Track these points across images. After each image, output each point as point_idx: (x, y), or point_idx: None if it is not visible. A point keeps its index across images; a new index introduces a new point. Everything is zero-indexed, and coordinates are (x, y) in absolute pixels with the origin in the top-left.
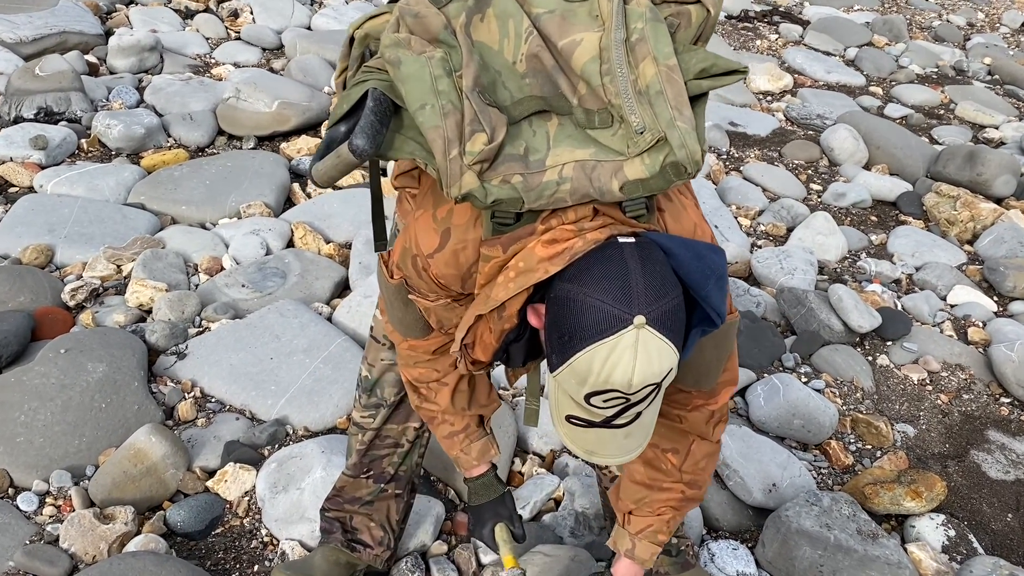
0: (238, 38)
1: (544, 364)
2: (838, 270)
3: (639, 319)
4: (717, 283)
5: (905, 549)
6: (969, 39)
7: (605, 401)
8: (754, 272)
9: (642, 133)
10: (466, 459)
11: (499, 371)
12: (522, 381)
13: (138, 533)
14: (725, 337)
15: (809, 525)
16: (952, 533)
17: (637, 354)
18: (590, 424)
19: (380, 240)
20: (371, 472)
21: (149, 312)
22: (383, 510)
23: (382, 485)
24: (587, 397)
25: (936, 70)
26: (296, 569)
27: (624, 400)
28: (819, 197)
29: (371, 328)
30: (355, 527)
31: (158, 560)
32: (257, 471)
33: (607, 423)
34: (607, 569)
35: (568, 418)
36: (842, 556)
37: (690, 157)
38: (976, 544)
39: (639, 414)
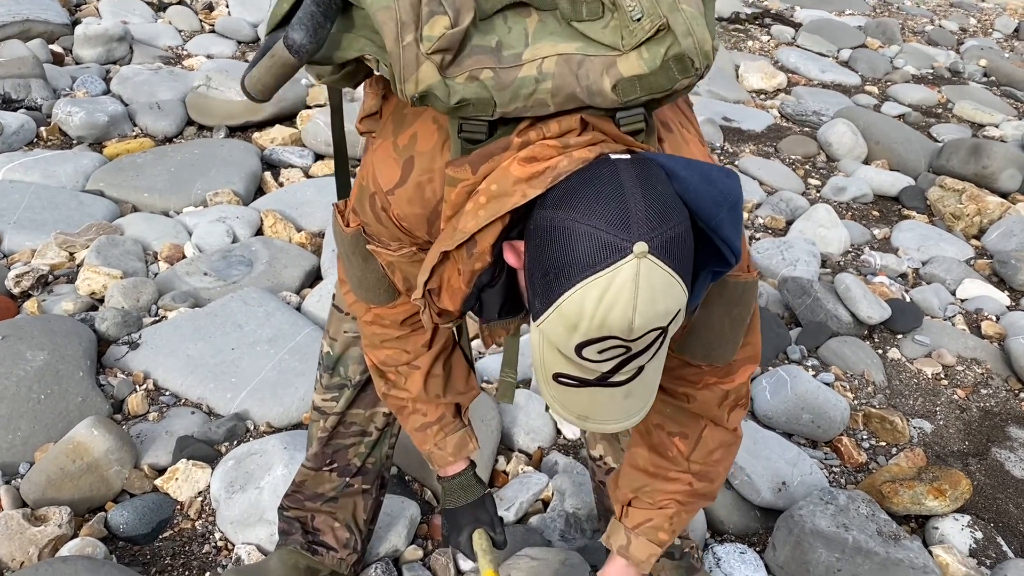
0: (212, 31)
1: (525, 328)
2: (841, 263)
3: (640, 246)
4: (730, 212)
5: (930, 552)
6: (963, 43)
7: (600, 352)
8: (753, 265)
9: (639, 20)
10: (440, 455)
11: (482, 363)
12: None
13: (75, 536)
14: (740, 299)
15: (825, 526)
16: (979, 535)
17: (638, 290)
18: (583, 383)
19: (344, 195)
20: (335, 464)
21: (102, 301)
22: (349, 508)
23: (347, 479)
24: (578, 348)
25: (931, 71)
26: (248, 574)
27: (623, 350)
28: (818, 192)
29: (332, 297)
30: (317, 528)
31: (92, 566)
32: (212, 469)
33: (603, 380)
34: (593, 572)
35: (556, 377)
36: (862, 559)
37: (698, 47)
38: (1005, 547)
39: (641, 368)
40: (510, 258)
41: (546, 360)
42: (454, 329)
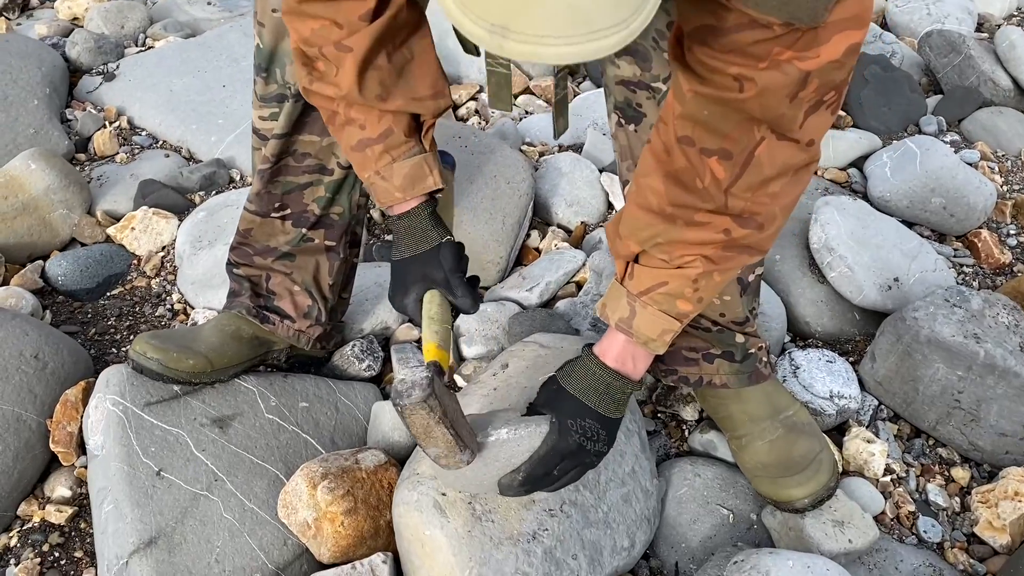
0: None
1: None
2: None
3: None
4: None
5: None
6: None
7: None
8: (890, 21)
9: None
10: (384, 188)
11: (524, 124)
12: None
13: (4, 285)
14: None
15: (948, 334)
16: None
17: None
18: None
19: None
20: (287, 210)
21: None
22: (308, 269)
23: (304, 231)
24: None
25: None
26: (169, 340)
27: None
28: None
29: None
30: (272, 290)
31: (1, 319)
32: (180, 221)
33: None
34: (585, 348)
35: None
36: (995, 380)
37: None
38: None
39: None
40: None
41: None
42: None
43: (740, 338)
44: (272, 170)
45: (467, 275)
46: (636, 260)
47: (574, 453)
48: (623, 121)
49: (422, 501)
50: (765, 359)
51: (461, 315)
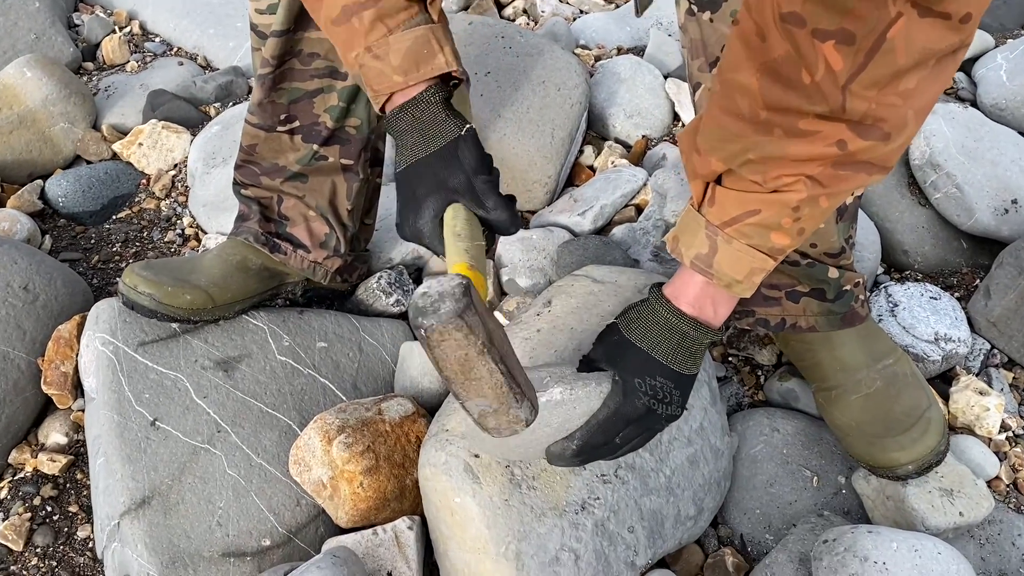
0: None
1: None
2: None
3: None
4: None
5: None
6: None
7: None
8: None
9: None
10: (378, 69)
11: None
12: None
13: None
14: None
15: None
16: None
17: None
18: None
19: None
20: (295, 122)
21: None
22: (323, 191)
23: (316, 148)
24: None
25: None
26: (164, 272)
27: None
28: None
29: None
30: (284, 215)
31: None
32: (193, 136)
33: None
34: (653, 288)
35: None
36: None
37: None
38: None
39: None
40: None
41: None
42: None
43: (833, 272)
44: (275, 75)
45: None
46: (718, 181)
47: (641, 418)
48: (695, 8)
49: (451, 463)
50: (862, 297)
51: (498, 240)
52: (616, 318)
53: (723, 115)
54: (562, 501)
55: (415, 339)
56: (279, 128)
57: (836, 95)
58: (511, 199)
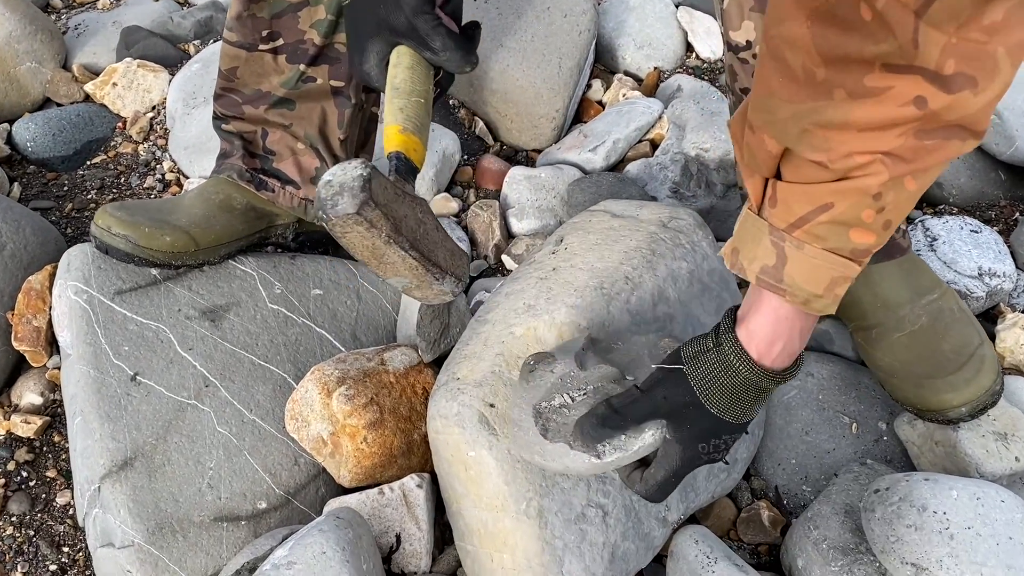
0: None
1: None
2: None
3: None
4: None
5: None
6: None
7: None
8: None
9: None
10: None
11: None
12: None
13: None
14: None
15: None
16: None
17: None
18: None
19: None
20: (278, 40)
21: None
22: (313, 119)
23: (303, 68)
24: None
25: None
26: (140, 212)
27: None
28: None
29: None
30: (270, 149)
31: None
32: (171, 75)
33: None
34: (727, 323)
35: None
36: None
37: None
38: None
39: None
40: None
41: None
42: None
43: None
44: None
45: (457, 13)
46: (777, 175)
47: (692, 466)
48: None
49: (464, 414)
50: (903, 227)
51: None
52: (685, 358)
53: (774, 77)
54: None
55: None
56: (261, 47)
57: (906, 24)
58: (471, 28)
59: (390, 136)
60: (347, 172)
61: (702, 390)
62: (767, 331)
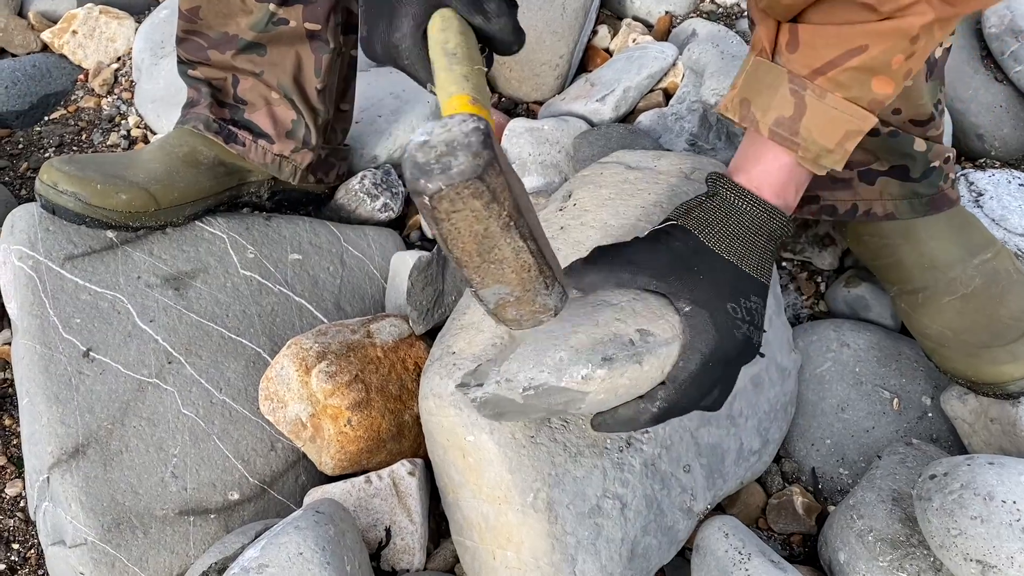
0: None
1: None
2: None
3: None
4: None
5: None
6: None
7: None
8: None
9: None
10: None
11: None
12: None
13: None
14: None
15: None
16: None
17: None
18: None
19: None
20: None
21: None
22: (286, 66)
23: (272, 7)
24: None
25: None
26: (92, 167)
27: None
28: None
29: None
30: (241, 98)
31: None
32: (138, 24)
33: None
34: (718, 179)
35: None
36: None
37: None
38: None
39: None
40: None
41: None
42: None
43: (920, 144)
44: None
45: None
46: (796, 19)
47: (741, 354)
48: None
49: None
50: (952, 176)
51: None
52: (678, 215)
53: None
54: (602, 437)
55: (409, 249)
56: None
57: None
58: (512, 3)
59: (460, 107)
60: (452, 128)
61: (707, 234)
62: (775, 183)
